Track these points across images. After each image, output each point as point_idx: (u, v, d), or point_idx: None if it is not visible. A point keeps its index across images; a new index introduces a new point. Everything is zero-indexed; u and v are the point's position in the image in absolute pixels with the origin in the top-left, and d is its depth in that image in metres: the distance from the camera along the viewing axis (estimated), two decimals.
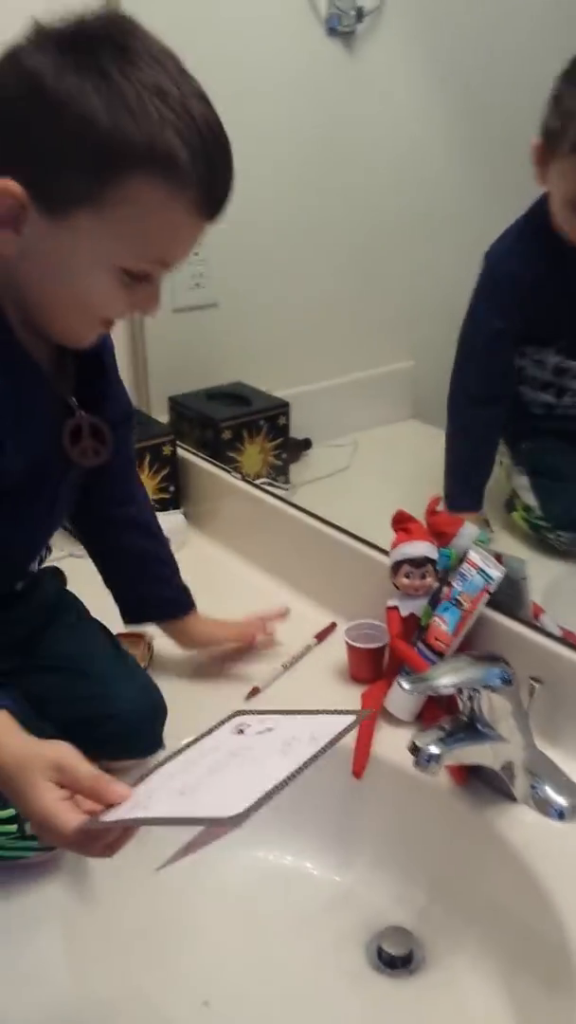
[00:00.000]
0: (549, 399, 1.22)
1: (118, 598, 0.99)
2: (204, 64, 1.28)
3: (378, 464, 1.51)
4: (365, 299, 1.54)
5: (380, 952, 0.84)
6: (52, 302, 0.70)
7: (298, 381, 1.51)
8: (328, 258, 1.49)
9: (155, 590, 0.99)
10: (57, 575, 0.95)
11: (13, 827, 0.74)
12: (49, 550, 0.89)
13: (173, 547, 1.29)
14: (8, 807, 0.74)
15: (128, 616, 0.99)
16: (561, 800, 0.79)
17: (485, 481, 1.22)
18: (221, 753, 0.66)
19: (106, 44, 0.61)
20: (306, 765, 0.61)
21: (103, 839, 0.61)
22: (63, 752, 0.63)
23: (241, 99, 1.34)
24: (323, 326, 1.53)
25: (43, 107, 0.60)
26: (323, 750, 0.62)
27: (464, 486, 1.21)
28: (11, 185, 0.62)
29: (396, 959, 0.84)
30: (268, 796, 0.58)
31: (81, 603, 0.96)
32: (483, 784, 0.86)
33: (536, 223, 1.09)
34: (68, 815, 0.60)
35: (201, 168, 0.63)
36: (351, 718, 0.66)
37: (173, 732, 0.91)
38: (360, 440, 1.55)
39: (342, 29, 1.35)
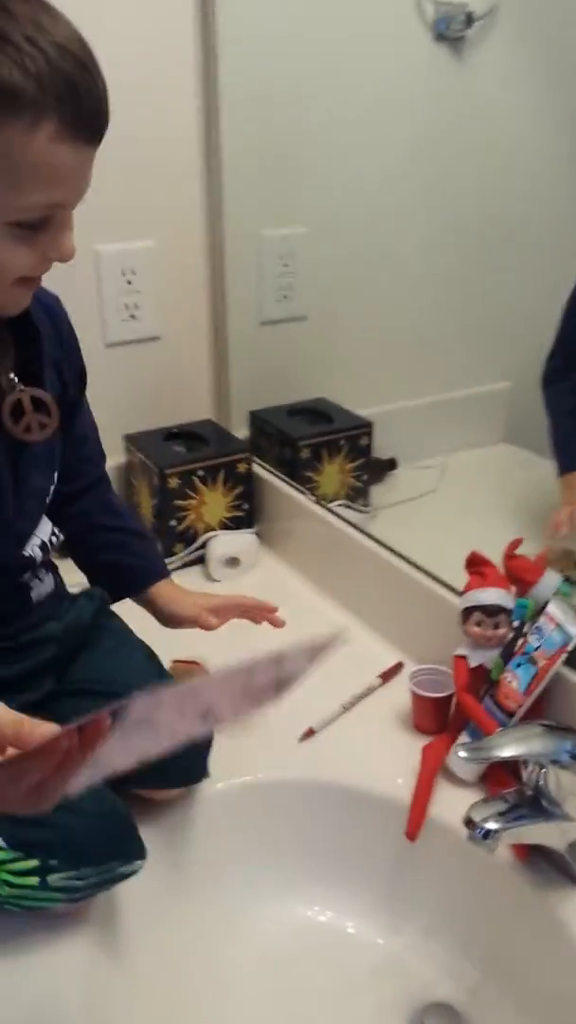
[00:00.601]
0: None
1: (89, 579, 0.95)
2: (307, 70, 1.26)
3: (466, 489, 1.44)
4: (460, 316, 1.47)
5: None
6: None
7: (387, 399, 1.45)
8: (423, 272, 1.43)
9: (117, 559, 0.94)
10: (97, 596, 0.92)
11: (34, 879, 0.71)
12: (57, 538, 0.85)
13: (243, 567, 1.27)
14: (29, 859, 0.71)
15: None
16: None
17: None
18: None
19: None
20: (245, 665, 0.55)
21: (23, 780, 0.55)
22: None
23: (344, 105, 1.30)
24: (415, 343, 1.46)
25: None
26: (272, 656, 0.57)
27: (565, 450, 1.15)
28: None
29: None
30: (195, 690, 0.53)
31: (126, 626, 0.93)
32: (546, 863, 0.79)
33: None
34: None
35: (56, 92, 0.58)
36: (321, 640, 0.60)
37: (219, 766, 0.87)
38: (449, 463, 1.48)
39: (450, 34, 1.28)
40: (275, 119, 1.28)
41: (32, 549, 0.81)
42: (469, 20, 1.27)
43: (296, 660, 0.58)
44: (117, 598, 0.95)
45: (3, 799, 0.57)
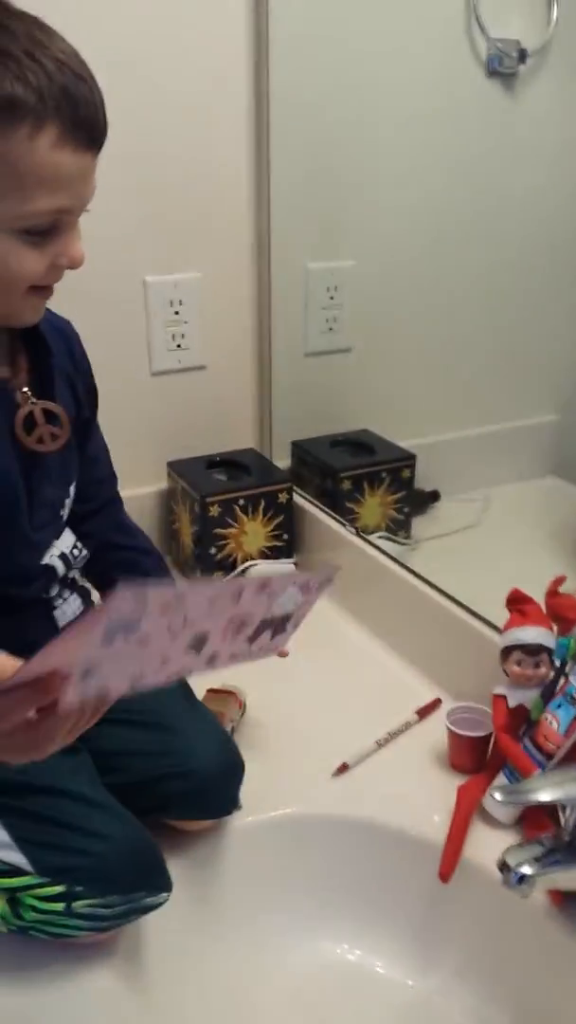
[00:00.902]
0: None
1: (102, 597, 0.94)
2: (358, 104, 1.28)
3: (510, 523, 1.42)
4: (506, 349, 1.46)
5: None
6: None
7: (431, 430, 1.44)
8: (469, 304, 1.42)
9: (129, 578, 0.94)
10: None
11: (60, 905, 0.71)
12: (79, 551, 0.86)
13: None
14: (56, 884, 0.71)
15: None
16: None
17: None
18: None
19: None
20: (230, 584, 0.53)
21: (10, 716, 0.54)
22: None
23: (394, 139, 1.31)
24: (461, 375, 1.46)
25: None
26: (259, 582, 0.55)
27: None
28: None
29: None
30: (180, 596, 0.51)
31: None
32: None
33: None
34: None
35: (55, 101, 0.63)
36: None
37: (251, 799, 0.87)
38: (493, 496, 1.46)
39: (503, 70, 1.29)
40: (324, 153, 1.29)
41: (51, 559, 0.82)
42: (522, 56, 1.28)
43: (287, 592, 0.57)
44: None
45: None
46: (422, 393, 1.44)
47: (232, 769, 0.86)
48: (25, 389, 0.78)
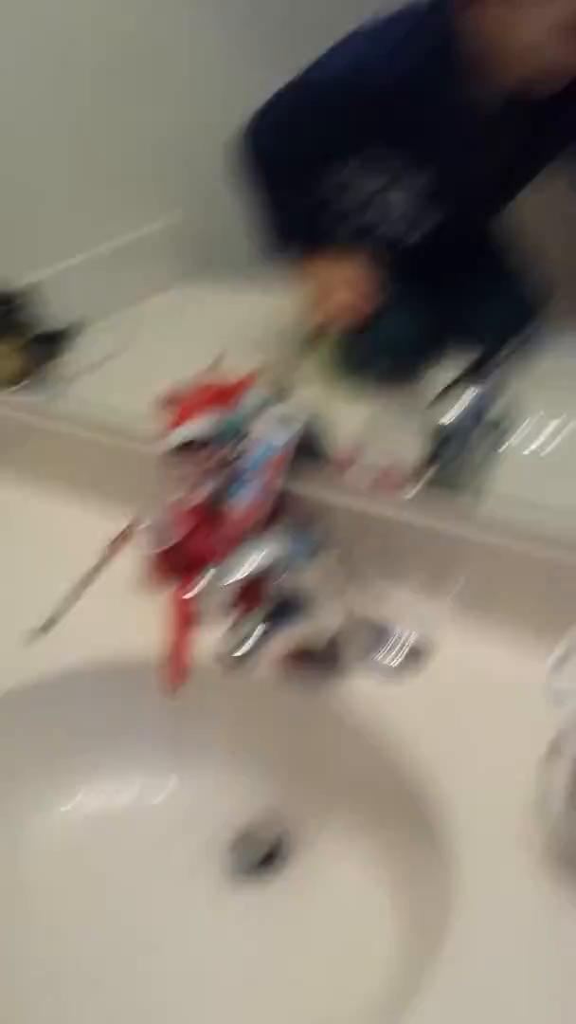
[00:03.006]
0: None
1: None
2: None
3: (155, 338, 1.38)
4: (111, 150, 1.34)
5: (239, 858, 0.80)
6: None
7: (46, 261, 1.33)
8: (60, 106, 1.28)
9: None
10: None
11: None
12: None
13: None
14: None
15: None
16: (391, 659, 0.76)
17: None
18: None
19: None
20: None
21: None
22: None
23: None
24: (65, 191, 1.33)
25: None
26: None
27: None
28: None
29: (258, 861, 0.79)
30: None
31: None
32: (313, 663, 0.79)
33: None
34: None
35: None
36: None
37: None
38: (130, 316, 1.40)
39: None
40: None
41: None
42: None
43: None
44: None
45: None
46: (24, 220, 1.31)
47: None
48: None
